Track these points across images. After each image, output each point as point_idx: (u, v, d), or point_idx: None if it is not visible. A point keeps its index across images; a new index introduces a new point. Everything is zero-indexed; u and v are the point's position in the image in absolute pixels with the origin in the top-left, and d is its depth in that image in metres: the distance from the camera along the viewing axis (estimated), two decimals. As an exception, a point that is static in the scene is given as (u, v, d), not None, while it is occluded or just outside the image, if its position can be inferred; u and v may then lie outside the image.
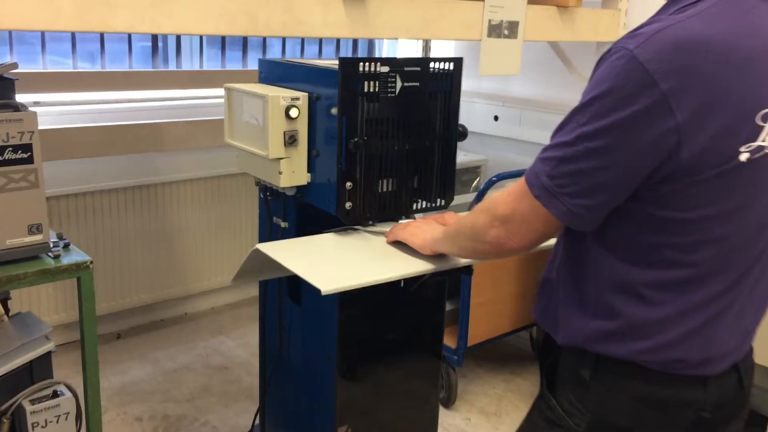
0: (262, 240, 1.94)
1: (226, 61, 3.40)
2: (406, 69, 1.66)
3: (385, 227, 1.71)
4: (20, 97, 2.97)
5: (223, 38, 3.35)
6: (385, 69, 1.63)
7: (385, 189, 1.71)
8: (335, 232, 1.69)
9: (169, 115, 3.05)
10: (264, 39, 3.46)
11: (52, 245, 1.91)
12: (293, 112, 1.66)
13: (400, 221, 1.76)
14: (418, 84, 1.69)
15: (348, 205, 1.65)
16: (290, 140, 1.67)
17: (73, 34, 2.96)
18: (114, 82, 3.00)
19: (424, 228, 1.56)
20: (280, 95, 1.65)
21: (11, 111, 1.83)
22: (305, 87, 1.72)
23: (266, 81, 1.86)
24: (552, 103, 3.24)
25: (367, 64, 1.60)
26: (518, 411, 2.83)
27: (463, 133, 1.81)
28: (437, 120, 1.75)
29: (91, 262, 1.90)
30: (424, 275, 1.56)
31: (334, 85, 1.60)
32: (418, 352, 1.95)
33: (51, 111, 2.89)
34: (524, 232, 1.21)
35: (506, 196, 1.24)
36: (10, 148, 1.80)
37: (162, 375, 2.98)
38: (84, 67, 3.05)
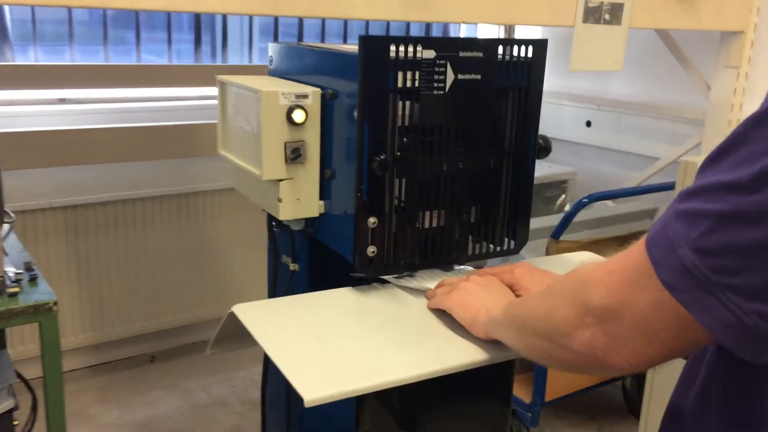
0: (269, 281, 1.41)
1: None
2: (461, 55, 1.08)
3: (429, 281, 1.14)
4: (45, 93, 2.58)
5: (276, 28, 2.85)
6: (430, 54, 1.06)
7: (428, 224, 1.15)
8: (356, 286, 1.14)
9: (207, 116, 2.56)
10: (346, 25, 2.93)
11: (14, 278, 1.45)
12: (298, 116, 1.11)
13: (451, 273, 1.19)
14: (479, 77, 1.11)
15: (371, 250, 1.09)
16: (293, 155, 1.13)
17: (105, 21, 2.52)
18: (147, 77, 2.54)
19: (480, 296, 0.99)
20: (280, 91, 1.10)
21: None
22: (319, 80, 1.17)
23: (276, 73, 1.33)
24: (659, 107, 2.57)
25: (401, 46, 1.04)
26: (606, 483, 2.21)
27: (545, 148, 1.22)
28: (507, 128, 1.17)
29: (55, 303, 1.41)
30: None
31: (355, 77, 1.04)
32: (478, 407, 1.34)
33: (77, 109, 2.46)
34: (639, 345, 0.64)
35: (607, 274, 0.66)
36: (-50, 158, 1.32)
37: (191, 410, 2.50)
38: (119, 60, 2.61)
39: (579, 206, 2.02)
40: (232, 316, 1.05)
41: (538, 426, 2.40)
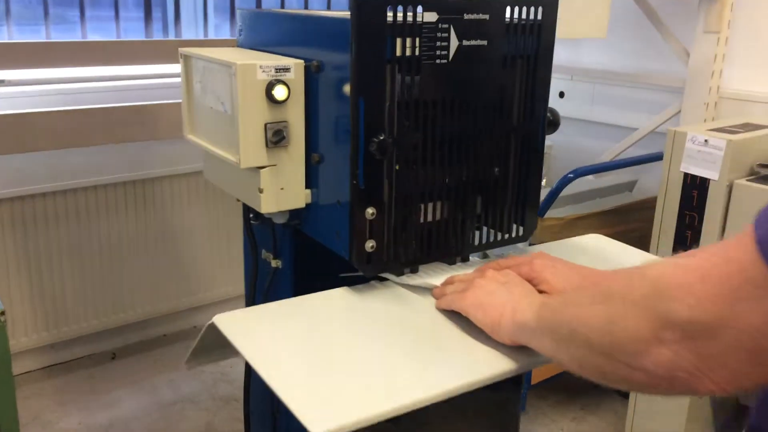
0: (247, 279, 1.25)
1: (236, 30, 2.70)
2: (466, 17, 0.94)
3: (434, 276, 1.00)
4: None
5: (233, 2, 2.64)
6: (432, 17, 0.91)
7: (431, 212, 1.00)
8: (352, 286, 0.99)
9: (164, 96, 2.36)
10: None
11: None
12: (279, 92, 0.95)
13: (456, 267, 1.05)
14: (485, 43, 0.96)
15: (370, 245, 0.94)
16: (276, 138, 0.97)
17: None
18: (95, 54, 2.31)
19: (500, 295, 0.85)
20: (257, 63, 0.94)
21: None
22: (300, 52, 1.00)
23: (247, 44, 1.16)
24: (636, 76, 2.46)
25: (400, 8, 0.88)
26: (594, 464, 2.13)
27: (553, 122, 1.08)
28: (515, 102, 1.03)
29: (2, 313, 1.23)
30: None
31: (345, 46, 0.89)
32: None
33: (16, 92, 2.23)
34: (743, 367, 0.51)
35: (697, 279, 0.53)
36: None
37: (158, 409, 2.33)
38: (61, 36, 2.37)
39: (565, 182, 1.90)
40: (213, 327, 0.90)
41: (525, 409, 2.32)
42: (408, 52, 0.90)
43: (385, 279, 1.00)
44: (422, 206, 0.98)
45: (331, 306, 0.94)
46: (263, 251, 1.18)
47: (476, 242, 1.05)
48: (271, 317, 0.91)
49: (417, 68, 0.91)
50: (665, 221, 1.89)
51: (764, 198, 1.71)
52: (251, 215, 1.17)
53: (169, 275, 2.59)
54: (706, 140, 1.76)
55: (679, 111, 2.30)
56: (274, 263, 1.15)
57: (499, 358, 0.82)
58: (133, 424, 2.25)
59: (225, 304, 2.76)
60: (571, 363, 0.68)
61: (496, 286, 0.86)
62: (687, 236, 1.85)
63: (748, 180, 1.75)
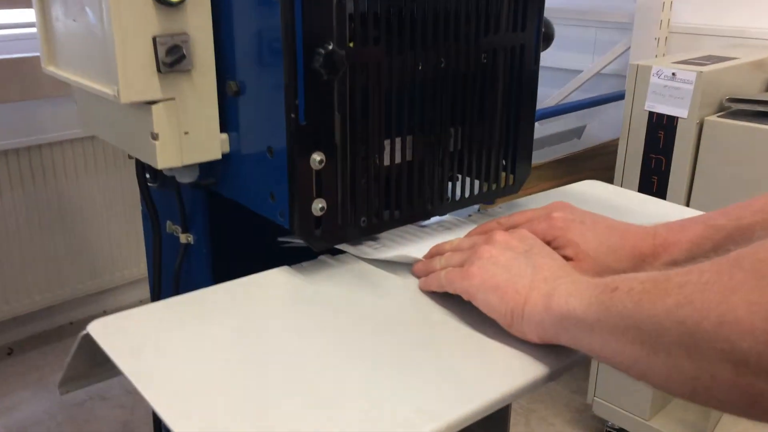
0: (150, 260, 0.92)
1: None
2: None
3: (409, 246, 0.72)
4: None
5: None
6: None
7: (395, 159, 0.71)
8: (295, 265, 0.69)
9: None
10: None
11: None
12: (172, -11, 0.63)
13: (435, 234, 0.77)
14: None
15: (319, 206, 0.65)
16: (171, 57, 0.64)
17: None
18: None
19: (520, 269, 0.56)
20: (136, -55, 0.62)
21: None
22: (202, -69, 0.68)
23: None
24: (579, 12, 2.22)
25: None
26: (554, 429, 1.93)
27: (547, 36, 0.81)
28: (503, 10, 0.74)
29: None
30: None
31: None
32: None
33: None
34: None
35: None
36: None
37: (64, 410, 1.97)
38: None
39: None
40: (88, 339, 0.58)
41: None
42: None
43: (341, 252, 0.71)
44: (387, 147, 0.69)
45: (267, 296, 0.64)
46: (168, 222, 0.86)
47: (458, 196, 0.77)
48: (175, 319, 0.60)
49: (375, -52, 0.61)
50: (628, 167, 1.66)
51: (738, 136, 1.50)
52: (148, 176, 0.84)
53: (69, 256, 2.20)
54: (673, 73, 1.53)
55: (627, 49, 2.08)
56: (183, 238, 0.83)
57: (522, 361, 0.54)
58: (35, 429, 1.89)
59: (137, 285, 2.40)
60: (675, 382, 0.41)
61: (512, 255, 0.57)
62: (653, 182, 1.63)
63: (719, 116, 1.54)
